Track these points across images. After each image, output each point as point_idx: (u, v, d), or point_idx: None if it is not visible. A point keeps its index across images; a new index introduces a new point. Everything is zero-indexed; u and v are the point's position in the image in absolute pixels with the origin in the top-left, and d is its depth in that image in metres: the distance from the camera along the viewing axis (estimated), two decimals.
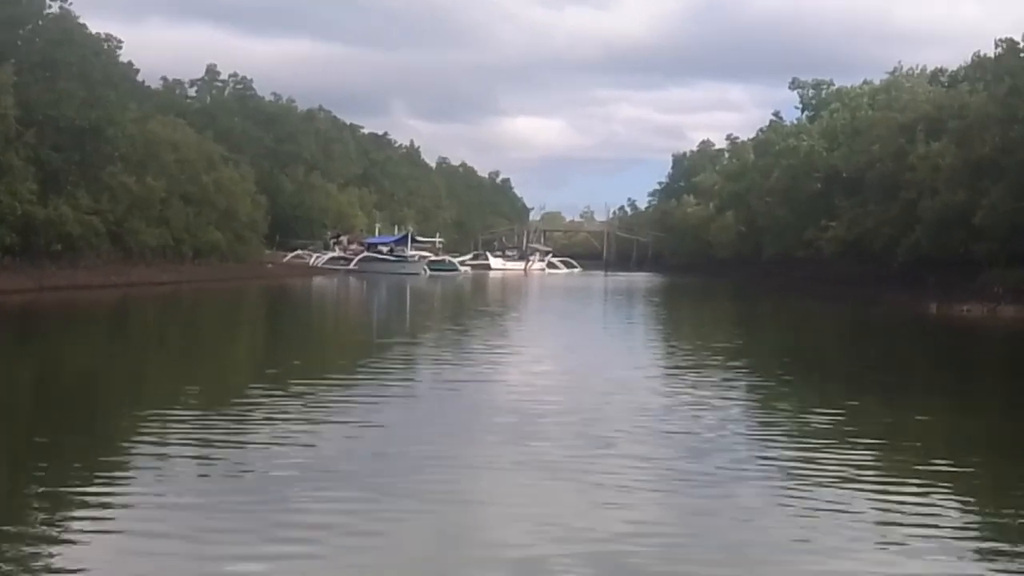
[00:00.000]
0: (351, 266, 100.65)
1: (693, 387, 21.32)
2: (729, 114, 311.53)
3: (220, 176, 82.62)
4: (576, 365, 25.81)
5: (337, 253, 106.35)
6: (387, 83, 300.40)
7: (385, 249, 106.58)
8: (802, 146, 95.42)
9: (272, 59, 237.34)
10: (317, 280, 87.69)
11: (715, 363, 26.01)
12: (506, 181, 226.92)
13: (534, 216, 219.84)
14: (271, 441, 14.60)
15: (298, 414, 16.73)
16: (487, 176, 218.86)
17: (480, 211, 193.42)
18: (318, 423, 16.12)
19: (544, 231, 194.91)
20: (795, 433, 16.55)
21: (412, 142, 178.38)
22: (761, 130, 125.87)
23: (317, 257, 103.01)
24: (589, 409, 18.06)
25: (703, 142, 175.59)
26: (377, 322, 43.74)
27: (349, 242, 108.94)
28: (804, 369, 26.48)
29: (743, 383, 22.45)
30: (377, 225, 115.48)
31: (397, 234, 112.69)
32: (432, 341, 32.14)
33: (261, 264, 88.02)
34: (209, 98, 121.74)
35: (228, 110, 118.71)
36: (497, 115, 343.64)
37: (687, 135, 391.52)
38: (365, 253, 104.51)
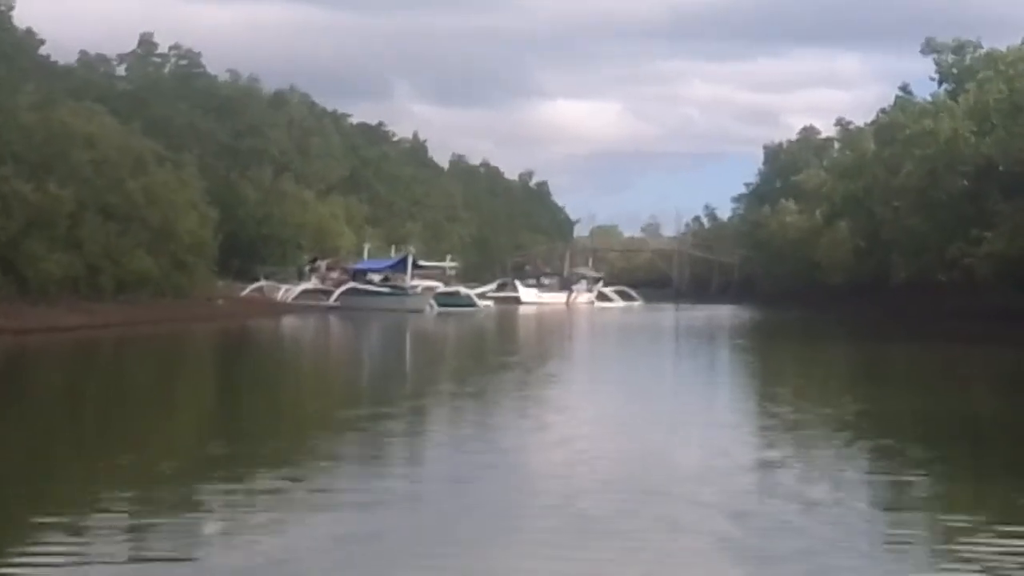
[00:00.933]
0: (331, 301, 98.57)
1: (802, 482, 19.78)
2: (837, 92, 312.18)
3: (153, 182, 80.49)
4: (633, 449, 23.93)
5: (313, 284, 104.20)
6: (384, 58, 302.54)
7: (377, 278, 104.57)
8: (942, 130, 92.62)
9: (230, 28, 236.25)
10: (286, 321, 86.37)
11: (828, 443, 24.85)
12: (543, 186, 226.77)
13: (581, 231, 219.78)
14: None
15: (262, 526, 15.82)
16: (517, 179, 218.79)
17: (508, 226, 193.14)
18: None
19: (594, 251, 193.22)
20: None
21: (417, 135, 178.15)
22: (883, 111, 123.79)
23: (287, 290, 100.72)
24: (662, 520, 16.51)
25: (805, 129, 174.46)
26: (360, 384, 41.64)
27: (329, 268, 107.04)
28: (959, 454, 24.13)
29: (870, 478, 20.83)
30: (366, 246, 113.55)
31: (393, 257, 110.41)
32: (435, 413, 30.41)
33: (210, 300, 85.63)
34: (142, 78, 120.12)
35: (167, 93, 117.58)
36: (530, 97, 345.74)
37: (782, 120, 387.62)
38: (350, 284, 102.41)
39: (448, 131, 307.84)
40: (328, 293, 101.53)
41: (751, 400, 36.24)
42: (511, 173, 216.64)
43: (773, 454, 23.04)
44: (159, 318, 72.37)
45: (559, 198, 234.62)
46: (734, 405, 34.10)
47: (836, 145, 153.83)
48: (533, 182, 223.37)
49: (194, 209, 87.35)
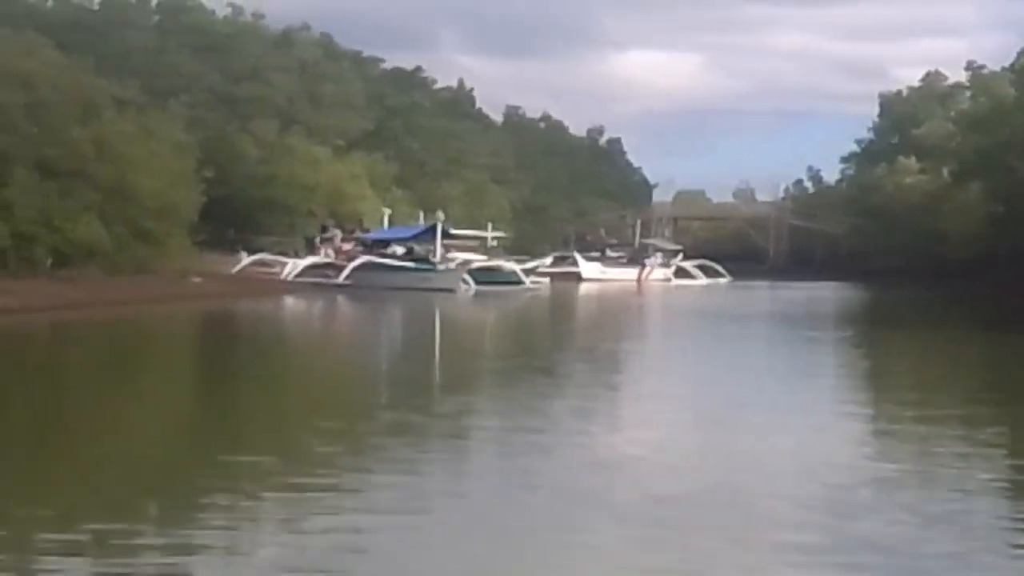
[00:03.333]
0: (341, 278, 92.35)
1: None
2: (951, 41, 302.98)
3: (106, 131, 74.08)
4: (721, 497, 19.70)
5: (323, 258, 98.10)
6: (437, 6, 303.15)
7: (400, 250, 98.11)
8: None
9: None
10: (282, 303, 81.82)
11: (956, 461, 22.74)
12: (615, 143, 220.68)
13: (660, 196, 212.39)
14: None
15: None
16: (584, 135, 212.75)
17: (572, 190, 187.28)
18: None
19: (674, 219, 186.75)
20: None
21: (462, 82, 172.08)
22: (1022, 54, 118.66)
23: (291, 265, 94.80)
24: None
25: (928, 75, 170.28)
26: (368, 393, 35.12)
27: (343, 240, 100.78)
28: None
29: None
30: (386, 211, 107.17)
31: (420, 225, 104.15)
32: (459, 435, 26.05)
33: (184, 277, 79.52)
34: (113, 8, 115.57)
35: (145, 27, 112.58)
36: (599, 48, 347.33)
37: (889, 74, 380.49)
38: (364, 258, 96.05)
39: (501, 86, 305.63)
40: (340, 268, 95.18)
41: (866, 415, 30.75)
42: (577, 129, 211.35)
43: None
44: (111, 299, 66.70)
45: (635, 158, 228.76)
46: (843, 426, 28.04)
47: (967, 93, 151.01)
48: (603, 139, 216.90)
49: (164, 165, 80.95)
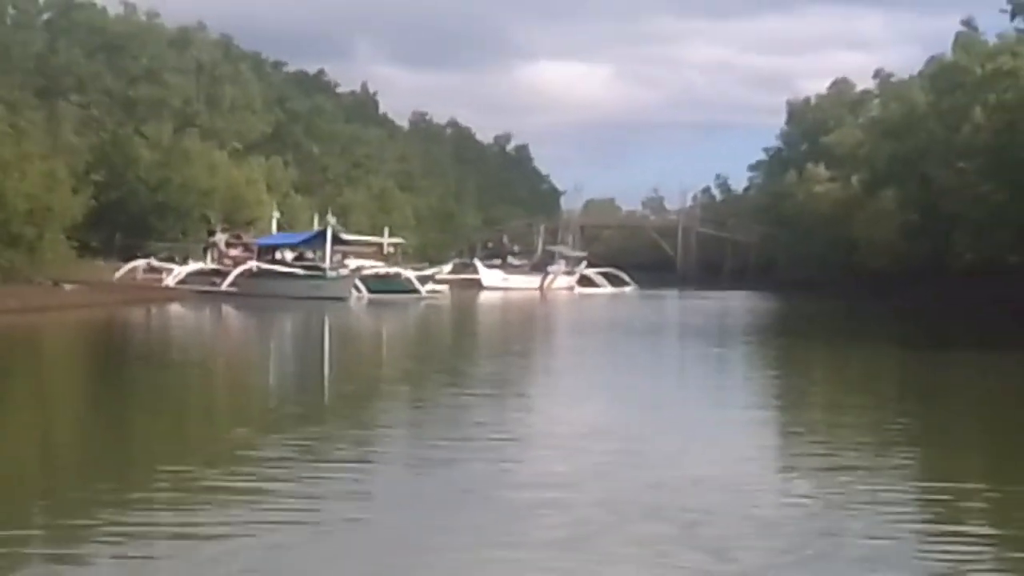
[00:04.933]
0: (225, 286, 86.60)
1: None
2: (858, 55, 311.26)
3: None
4: None
5: (209, 264, 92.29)
6: (346, 15, 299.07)
7: (289, 256, 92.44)
8: None
9: None
10: (172, 311, 76.42)
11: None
12: (523, 150, 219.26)
13: (570, 203, 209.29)
14: None
15: None
16: (493, 142, 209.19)
17: (482, 196, 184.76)
18: None
19: (582, 227, 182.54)
20: None
21: (365, 86, 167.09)
22: (932, 59, 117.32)
23: (175, 272, 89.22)
24: None
25: (837, 82, 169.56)
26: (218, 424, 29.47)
27: (228, 244, 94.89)
28: None
29: None
30: (275, 216, 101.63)
31: (309, 231, 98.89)
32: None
33: (56, 285, 73.38)
34: None
35: (29, 25, 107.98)
36: (511, 58, 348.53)
37: (797, 86, 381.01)
38: (250, 264, 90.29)
39: (415, 94, 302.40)
40: (227, 275, 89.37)
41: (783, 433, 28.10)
42: (485, 136, 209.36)
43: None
44: None
45: (545, 167, 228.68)
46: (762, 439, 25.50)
47: (876, 101, 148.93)
48: (511, 146, 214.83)
49: (37, 167, 74.90)
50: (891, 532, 17.16)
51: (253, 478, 19.77)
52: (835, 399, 35.84)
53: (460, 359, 49.09)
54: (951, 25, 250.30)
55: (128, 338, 59.08)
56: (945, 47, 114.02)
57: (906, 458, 23.75)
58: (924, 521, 18.34)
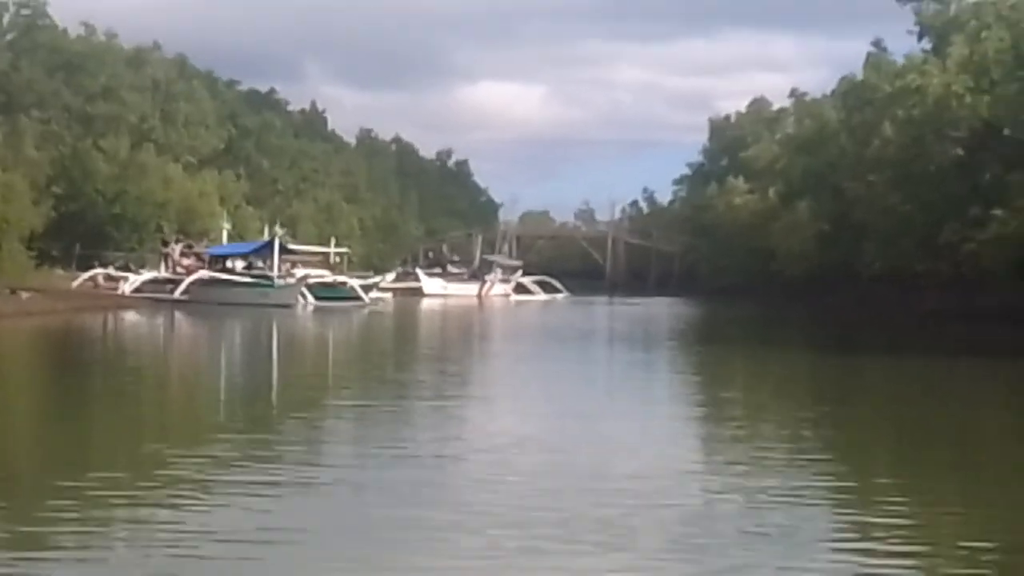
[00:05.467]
0: (177, 293, 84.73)
1: None
2: (774, 76, 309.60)
3: None
4: None
5: (163, 273, 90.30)
6: (297, 37, 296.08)
7: (240, 265, 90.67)
8: (931, 85, 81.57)
9: (130, 6, 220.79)
10: (126, 317, 74.33)
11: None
12: (463, 165, 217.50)
13: (507, 215, 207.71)
14: None
15: None
16: (435, 157, 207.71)
17: (423, 208, 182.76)
18: None
19: (517, 238, 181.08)
20: None
21: (315, 104, 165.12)
22: (844, 78, 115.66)
23: (130, 280, 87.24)
24: None
25: (755, 100, 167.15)
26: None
27: (182, 254, 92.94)
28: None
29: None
30: (224, 227, 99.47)
31: (258, 241, 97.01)
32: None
33: (13, 293, 71.31)
34: None
35: None
36: (453, 79, 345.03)
37: (717, 106, 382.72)
38: (203, 273, 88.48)
39: (362, 113, 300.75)
40: (179, 283, 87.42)
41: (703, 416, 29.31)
42: (427, 152, 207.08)
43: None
44: None
45: (485, 182, 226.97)
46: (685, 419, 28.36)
47: (791, 119, 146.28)
48: (452, 161, 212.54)
49: None
50: (805, 521, 17.25)
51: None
52: (752, 401, 35.11)
53: (393, 366, 47.75)
54: (860, 47, 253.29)
55: (79, 343, 57.62)
56: (853, 68, 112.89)
57: (818, 455, 23.43)
58: (836, 511, 18.50)
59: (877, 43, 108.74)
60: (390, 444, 23.85)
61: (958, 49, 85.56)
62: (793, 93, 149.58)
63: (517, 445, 23.96)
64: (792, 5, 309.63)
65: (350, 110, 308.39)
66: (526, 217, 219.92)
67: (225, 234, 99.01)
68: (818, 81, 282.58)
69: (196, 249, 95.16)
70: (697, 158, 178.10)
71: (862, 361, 51.37)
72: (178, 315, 77.13)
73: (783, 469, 21.74)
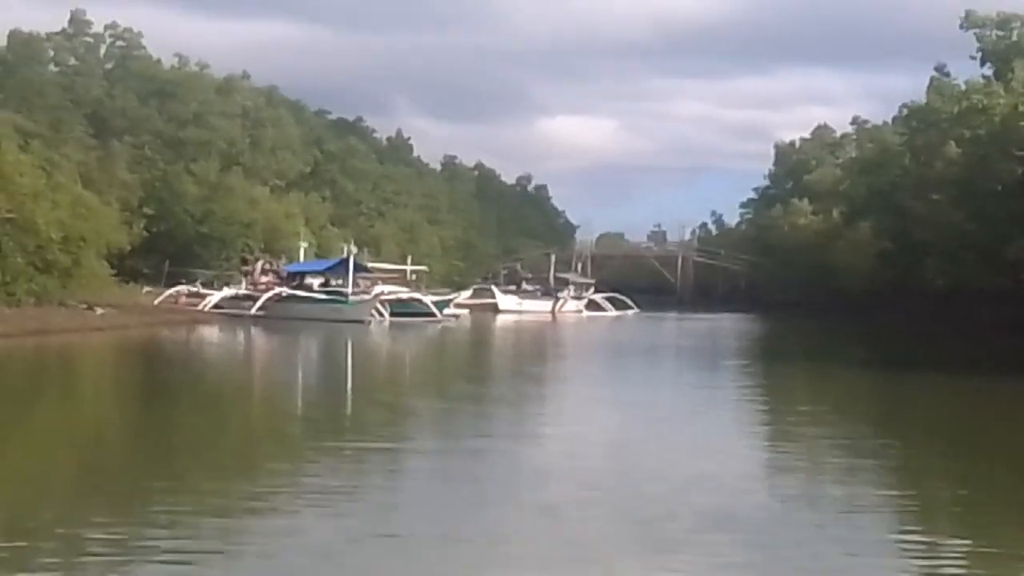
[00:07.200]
0: (254, 310, 79.78)
1: None
2: (824, 110, 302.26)
3: (1, 162, 61.19)
4: None
5: (243, 290, 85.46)
6: (387, 74, 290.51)
7: (316, 282, 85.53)
8: (998, 105, 75.43)
9: (230, 44, 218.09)
10: (202, 333, 69.58)
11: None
12: (541, 189, 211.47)
13: (583, 236, 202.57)
14: None
15: None
16: (515, 182, 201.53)
17: (502, 229, 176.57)
18: None
19: (592, 257, 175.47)
20: None
21: (400, 132, 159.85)
22: (904, 106, 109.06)
23: (210, 298, 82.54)
24: None
25: (819, 127, 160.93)
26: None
27: (263, 272, 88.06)
28: None
29: None
30: (302, 245, 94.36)
31: (334, 259, 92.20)
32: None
33: (90, 308, 66.44)
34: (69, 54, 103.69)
35: (93, 74, 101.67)
36: (529, 114, 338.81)
37: (772, 135, 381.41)
38: (280, 289, 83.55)
39: (445, 143, 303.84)
40: (257, 300, 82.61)
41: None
42: (508, 178, 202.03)
43: None
44: None
45: (560, 205, 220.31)
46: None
47: (853, 143, 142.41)
48: (531, 186, 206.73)
49: (70, 198, 68.05)
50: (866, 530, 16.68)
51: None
52: (816, 417, 31.19)
53: (466, 379, 43.26)
54: (907, 81, 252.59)
55: (147, 356, 53.07)
56: (904, 99, 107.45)
57: (879, 465, 22.54)
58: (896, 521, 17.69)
59: (940, 68, 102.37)
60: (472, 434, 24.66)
61: (1022, 72, 79.49)
62: (855, 121, 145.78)
63: (599, 445, 24.18)
64: (841, 43, 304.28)
65: (434, 140, 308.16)
66: (602, 238, 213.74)
67: (303, 252, 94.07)
68: (867, 113, 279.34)
69: (274, 267, 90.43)
70: (762, 182, 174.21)
71: (923, 378, 45.96)
72: (253, 330, 72.83)
73: (845, 479, 20.73)
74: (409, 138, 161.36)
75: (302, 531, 15.73)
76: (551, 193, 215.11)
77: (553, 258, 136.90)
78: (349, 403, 33.11)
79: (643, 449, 23.96)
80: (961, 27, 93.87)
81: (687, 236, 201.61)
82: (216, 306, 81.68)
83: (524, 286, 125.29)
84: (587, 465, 21.53)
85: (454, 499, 18.03)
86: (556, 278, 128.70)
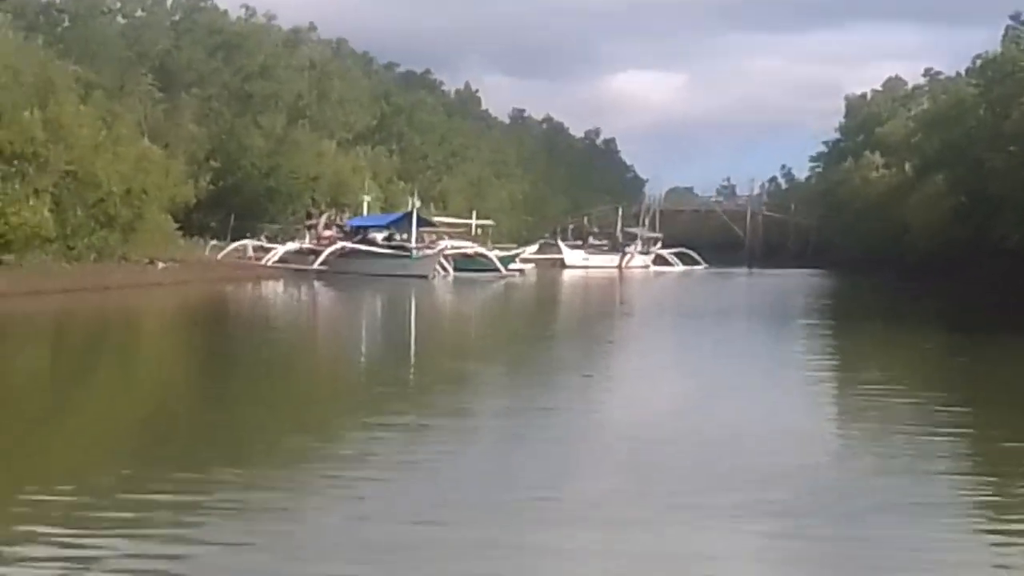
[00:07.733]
0: (316, 264, 78.53)
1: None
2: (900, 64, 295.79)
3: (61, 113, 59.46)
4: None
5: (306, 244, 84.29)
6: (457, 28, 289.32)
7: (380, 236, 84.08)
8: None
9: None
10: (264, 287, 69.27)
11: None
12: (611, 143, 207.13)
13: (652, 191, 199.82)
14: None
15: None
16: (583, 136, 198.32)
17: (571, 184, 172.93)
18: None
19: (660, 212, 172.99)
20: None
21: (468, 85, 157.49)
22: (978, 57, 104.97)
23: (274, 252, 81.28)
24: None
25: (890, 80, 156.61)
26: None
27: (325, 226, 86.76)
28: None
29: None
30: (365, 199, 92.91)
31: (396, 213, 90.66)
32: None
33: (151, 263, 65.47)
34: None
35: (159, 26, 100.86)
36: (598, 69, 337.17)
37: (843, 91, 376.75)
38: (342, 244, 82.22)
39: (514, 97, 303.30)
40: (320, 254, 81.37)
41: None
42: (577, 131, 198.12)
43: None
44: (51, 287, 52.56)
45: (628, 160, 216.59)
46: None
47: (926, 95, 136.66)
48: (600, 140, 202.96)
49: (136, 152, 66.76)
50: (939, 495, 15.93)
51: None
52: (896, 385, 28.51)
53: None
54: (983, 34, 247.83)
55: (208, 314, 51.93)
56: (979, 52, 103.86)
57: (950, 423, 21.63)
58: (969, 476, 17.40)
59: (1015, 17, 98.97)
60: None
61: None
62: (927, 72, 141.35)
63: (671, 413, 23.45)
64: None
65: (503, 94, 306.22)
66: (670, 193, 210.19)
67: (366, 206, 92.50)
68: (943, 67, 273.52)
69: (338, 220, 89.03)
70: (832, 136, 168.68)
71: (1003, 338, 43.56)
72: (316, 285, 71.88)
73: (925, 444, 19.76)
74: (477, 91, 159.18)
75: (393, 495, 15.14)
76: (620, 148, 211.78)
77: (620, 212, 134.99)
78: (411, 368, 31.59)
79: (718, 414, 23.10)
80: None
81: (756, 191, 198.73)
82: (281, 260, 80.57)
83: (591, 241, 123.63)
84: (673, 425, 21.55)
85: (538, 464, 17.53)
86: (624, 233, 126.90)
